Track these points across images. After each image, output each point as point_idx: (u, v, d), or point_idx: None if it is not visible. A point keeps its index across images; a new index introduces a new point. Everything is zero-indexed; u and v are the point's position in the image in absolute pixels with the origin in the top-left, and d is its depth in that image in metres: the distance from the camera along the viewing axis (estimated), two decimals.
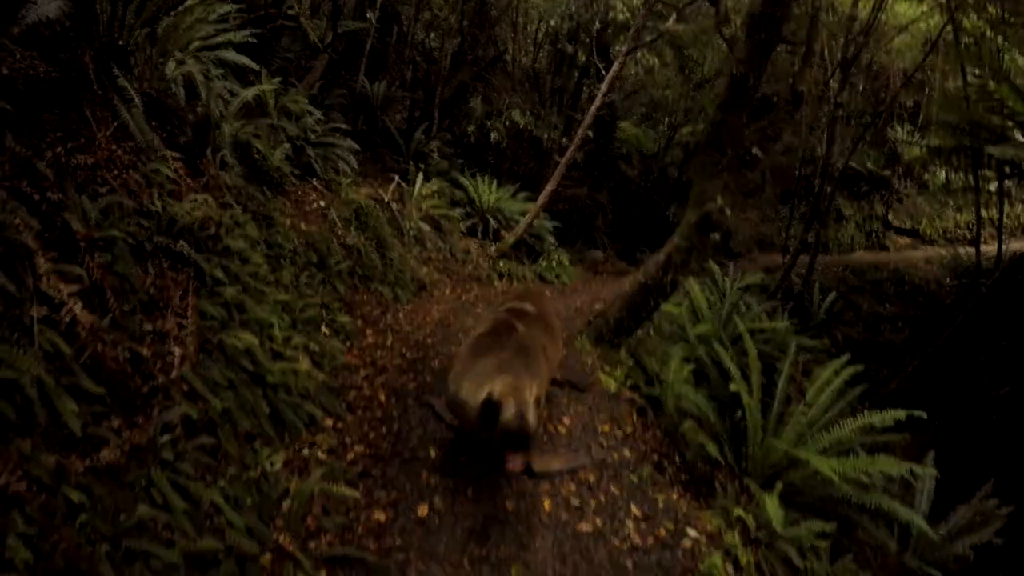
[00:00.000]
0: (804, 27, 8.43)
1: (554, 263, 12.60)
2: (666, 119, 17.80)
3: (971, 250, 13.07)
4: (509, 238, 11.87)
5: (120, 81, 3.60)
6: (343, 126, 9.88)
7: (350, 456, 3.95)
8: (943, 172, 16.85)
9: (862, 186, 18.67)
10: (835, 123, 13.00)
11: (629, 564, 3.45)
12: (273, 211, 5.65)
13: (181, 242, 3.23)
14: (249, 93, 6.39)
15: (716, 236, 6.28)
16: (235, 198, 4.60)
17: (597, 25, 13.13)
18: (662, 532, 3.79)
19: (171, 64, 4.57)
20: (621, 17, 13.75)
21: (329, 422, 4.21)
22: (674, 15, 12.34)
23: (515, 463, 3.41)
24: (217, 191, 4.19)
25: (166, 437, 2.61)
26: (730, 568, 3.76)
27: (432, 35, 15.31)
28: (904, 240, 18.72)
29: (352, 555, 3.18)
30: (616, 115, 16.09)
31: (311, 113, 9.09)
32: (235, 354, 3.34)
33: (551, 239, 13.10)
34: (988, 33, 12.90)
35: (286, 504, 3.25)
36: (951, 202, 18.29)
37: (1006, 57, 12.57)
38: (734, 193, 6.37)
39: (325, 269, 6.40)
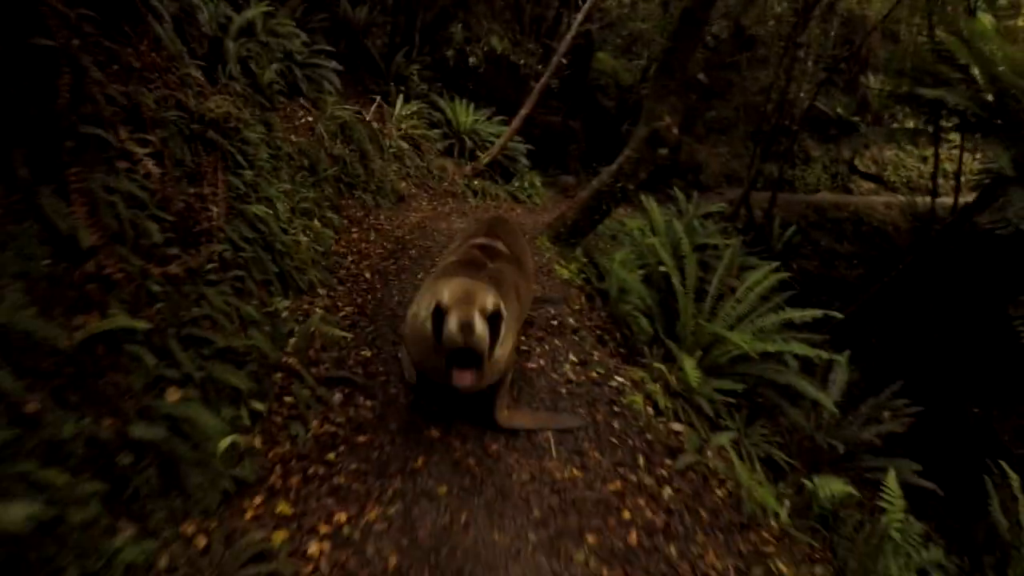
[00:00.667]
0: None
1: (526, 184, 13.48)
2: (645, 52, 18.44)
3: (928, 199, 13.99)
4: (484, 158, 12.74)
5: (152, 1, 4.42)
6: (328, 48, 10.55)
7: (341, 313, 4.92)
8: (910, 122, 17.71)
9: (831, 130, 19.55)
10: (795, 63, 13.83)
11: (564, 391, 4.47)
12: (271, 119, 6.49)
13: (211, 131, 4.09)
14: (247, 15, 7.16)
15: (664, 151, 7.19)
16: (244, 103, 5.44)
17: None
18: (593, 375, 4.81)
19: None
20: None
21: (323, 290, 5.17)
22: None
23: (462, 377, 3.14)
24: (230, 96, 5.02)
25: (210, 266, 3.54)
26: (650, 409, 4.77)
27: None
28: (869, 185, 19.73)
29: (345, 376, 4.16)
30: (594, 45, 16.78)
31: (297, 36, 9.75)
32: (253, 219, 4.24)
33: (524, 161, 13.94)
34: None
35: (292, 340, 4.21)
36: (914, 151, 19.20)
37: (980, 16, 13.39)
38: (681, 112, 7.24)
39: (315, 174, 7.27)
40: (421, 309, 3.42)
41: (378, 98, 11.42)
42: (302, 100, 9.20)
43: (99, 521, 2.31)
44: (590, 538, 3.23)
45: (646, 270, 7.52)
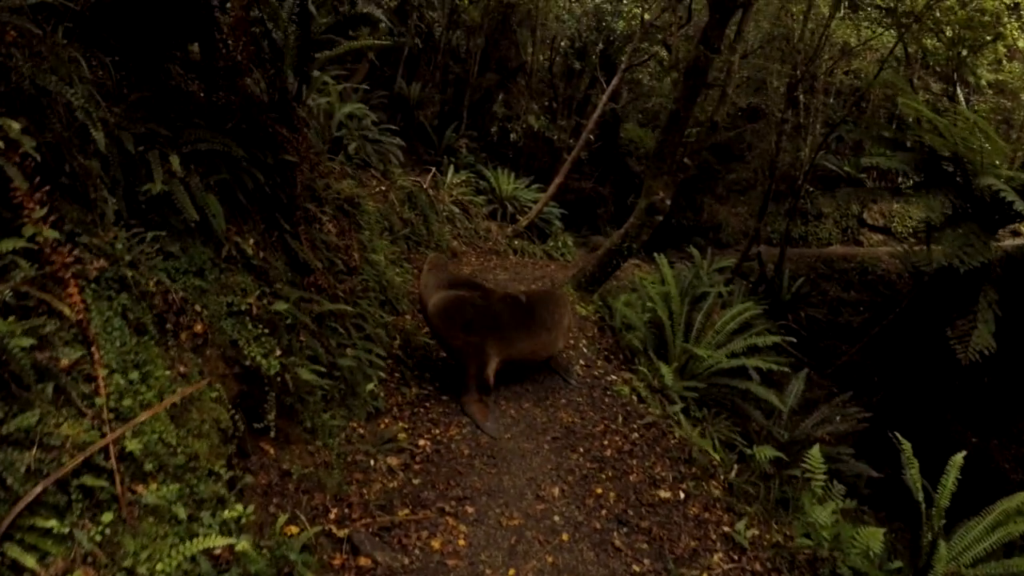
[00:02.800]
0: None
1: (560, 244, 16.02)
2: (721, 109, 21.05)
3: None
4: (523, 221, 15.35)
5: (300, 113, 7.10)
6: (392, 127, 13.33)
7: (424, 329, 7.46)
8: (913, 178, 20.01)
9: (841, 187, 21.91)
10: (799, 131, 16.38)
11: (572, 381, 6.96)
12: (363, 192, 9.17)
13: (346, 204, 6.69)
14: (345, 110, 9.94)
15: (659, 218, 9.68)
16: (356, 184, 8.14)
17: (600, 46, 16.64)
18: (595, 373, 7.29)
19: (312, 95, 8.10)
20: (624, 34, 17.12)
21: (408, 313, 7.73)
22: (661, 41, 15.84)
23: None
24: (348, 177, 7.68)
25: (357, 289, 6.10)
26: (635, 398, 7.20)
27: (459, 36, 18.54)
28: (877, 237, 21.93)
29: (427, 375, 6.68)
30: (620, 118, 19.54)
31: (368, 116, 12.52)
32: (374, 262, 6.83)
33: (559, 224, 16.52)
34: (942, 52, 16.11)
35: (395, 341, 6.74)
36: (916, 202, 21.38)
37: (967, 69, 15.78)
38: (672, 188, 9.75)
39: (392, 233, 9.90)
40: None
41: (433, 168, 14.13)
42: (373, 171, 11.89)
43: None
44: (580, 449, 5.71)
45: (648, 314, 9.96)
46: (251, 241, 4.37)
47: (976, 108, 16.36)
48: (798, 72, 14.79)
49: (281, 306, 4.20)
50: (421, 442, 5.38)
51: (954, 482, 5.82)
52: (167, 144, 3.78)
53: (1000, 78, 17.33)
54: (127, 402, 2.74)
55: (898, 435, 6.26)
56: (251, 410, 3.87)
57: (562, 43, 17.77)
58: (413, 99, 16.54)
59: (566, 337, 7.35)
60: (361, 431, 5.11)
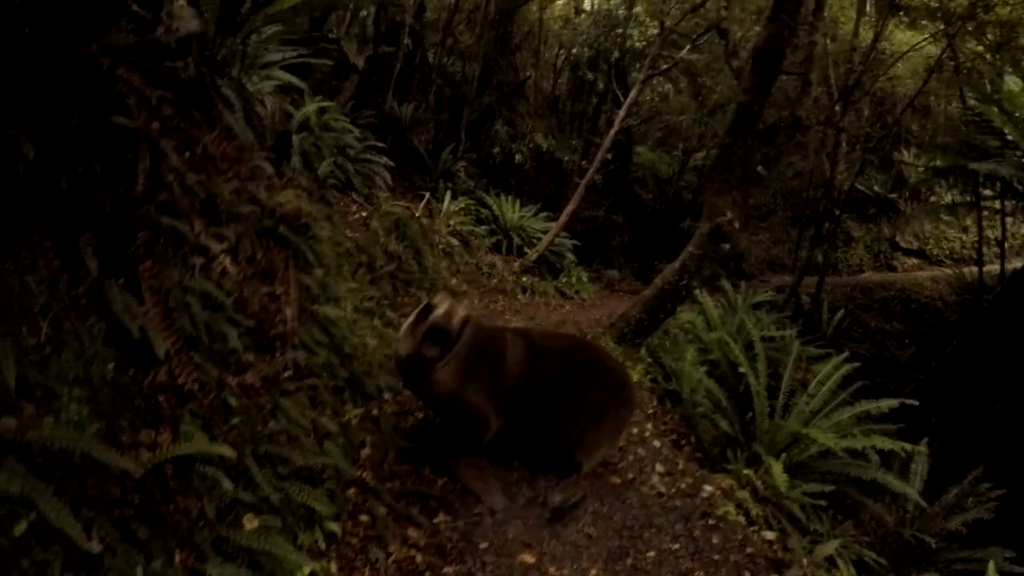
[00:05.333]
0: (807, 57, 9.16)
1: (574, 280, 13.20)
2: (680, 144, 18.47)
3: (975, 269, 13.57)
4: (532, 255, 12.53)
5: (224, 90, 4.27)
6: (380, 144, 10.53)
7: (410, 421, 4.57)
8: (948, 195, 17.42)
9: (870, 209, 19.27)
10: (838, 147, 13.66)
11: (657, 508, 4.05)
12: (330, 214, 6.32)
13: (282, 226, 3.87)
14: (309, 110, 7.12)
15: (726, 246, 6.89)
16: (309, 198, 5.28)
17: (616, 54, 13.90)
18: (683, 486, 4.38)
19: (254, 79, 5.28)
20: (639, 45, 14.44)
21: (389, 395, 4.83)
22: (688, 45, 13.12)
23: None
24: (298, 190, 4.85)
25: (287, 374, 3.24)
26: (742, 518, 4.32)
27: (455, 61, 16.03)
28: (912, 261, 19.26)
29: (422, 491, 3.78)
30: (633, 140, 16.79)
31: (350, 131, 9.73)
32: (324, 322, 3.97)
33: (571, 257, 13.71)
34: (988, 57, 13.61)
35: (364, 451, 3.86)
36: (955, 222, 18.83)
37: (1006, 79, 13.27)
38: (741, 207, 6.98)
39: (373, 271, 7.06)
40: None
41: (427, 194, 11.33)
42: (354, 195, 9.13)
43: None
44: None
45: (708, 367, 7.14)
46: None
47: None
48: (848, 80, 12.11)
49: None
50: None
51: None
52: None
53: None
54: None
55: None
56: None
57: (573, 51, 14.98)
58: (405, 120, 13.77)
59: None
60: None
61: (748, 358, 6.63)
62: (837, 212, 15.29)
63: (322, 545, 3.00)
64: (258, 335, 3.14)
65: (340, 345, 4.16)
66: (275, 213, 3.87)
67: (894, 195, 18.84)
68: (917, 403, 6.39)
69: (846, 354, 7.22)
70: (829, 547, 4.16)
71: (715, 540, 3.85)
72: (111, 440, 2.30)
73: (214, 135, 3.81)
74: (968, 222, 17.89)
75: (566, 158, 14.44)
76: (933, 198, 19.21)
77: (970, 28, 12.17)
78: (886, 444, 5.65)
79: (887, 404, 6.25)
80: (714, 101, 16.47)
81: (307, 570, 2.64)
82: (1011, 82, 9.84)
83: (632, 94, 12.89)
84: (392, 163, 10.47)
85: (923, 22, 13.87)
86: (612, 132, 12.78)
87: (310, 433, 3.21)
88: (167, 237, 2.71)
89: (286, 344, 3.32)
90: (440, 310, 3.98)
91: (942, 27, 12.25)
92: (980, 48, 13.66)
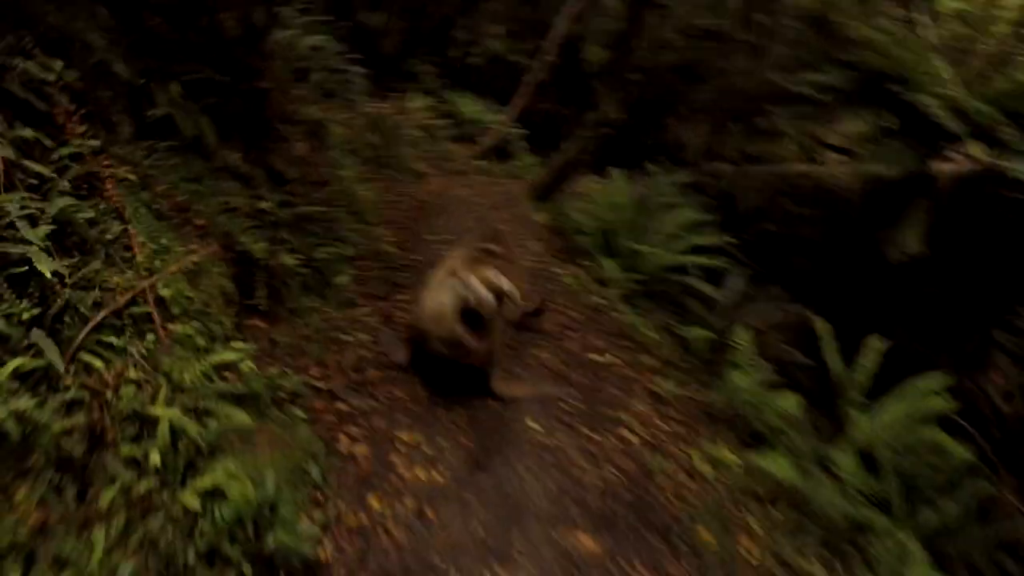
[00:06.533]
0: None
1: (524, 164, 16.96)
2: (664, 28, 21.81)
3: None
4: (485, 142, 16.26)
5: (267, 44, 7.94)
6: (356, 56, 14.06)
7: (392, 239, 8.45)
8: None
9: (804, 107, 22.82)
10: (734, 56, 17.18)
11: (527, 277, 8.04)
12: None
13: (314, 127, 7.62)
14: (307, 41, 10.74)
15: (606, 130, 10.66)
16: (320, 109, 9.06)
17: None
18: (546, 269, 8.35)
19: None
20: None
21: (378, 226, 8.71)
22: None
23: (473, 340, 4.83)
24: (313, 103, 8.58)
25: (327, 199, 7.08)
26: (580, 287, 8.27)
27: None
28: (838, 156, 22.95)
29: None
30: (583, 38, 20.23)
31: (331, 47, 13.23)
32: (342, 178, 7.81)
33: (521, 144, 17.42)
34: None
35: (361, 246, 7.74)
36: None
37: None
38: (621, 102, 10.70)
39: (359, 156, 10.83)
40: (442, 295, 4.90)
41: (397, 95, 14.95)
42: (338, 100, 12.73)
43: None
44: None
45: (600, 220, 11.00)
46: (237, 155, 5.34)
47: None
48: None
49: (264, 205, 5.21)
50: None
51: (873, 362, 6.47)
52: (164, 76, 4.73)
53: (963, 7, 18.16)
54: (157, 263, 3.75)
55: (817, 318, 7.09)
56: (244, 291, 4.91)
57: None
58: (376, 28, 17.21)
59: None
60: (336, 315, 6.16)
61: (626, 210, 10.50)
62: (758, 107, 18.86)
63: (349, 282, 6.92)
64: (316, 179, 6.94)
65: (348, 192, 7.98)
66: (309, 119, 7.60)
67: (825, 96, 22.33)
68: (737, 242, 10.39)
69: (692, 208, 11.20)
70: (615, 292, 8.15)
71: (551, 288, 7.86)
72: None
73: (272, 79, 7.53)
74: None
75: (516, 61, 18.02)
76: None
77: None
78: (704, 261, 9.67)
79: (712, 240, 10.22)
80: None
81: (342, 278, 6.57)
82: None
83: (571, 5, 16.42)
84: (368, 71, 14.03)
85: None
86: (554, 38, 16.37)
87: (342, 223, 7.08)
88: (279, 133, 6.47)
89: (326, 184, 7.12)
90: (474, 293, 4.71)
91: None
92: None
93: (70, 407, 2.94)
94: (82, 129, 3.71)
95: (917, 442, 5.68)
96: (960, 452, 5.52)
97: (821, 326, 6.84)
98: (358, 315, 6.34)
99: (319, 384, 4.96)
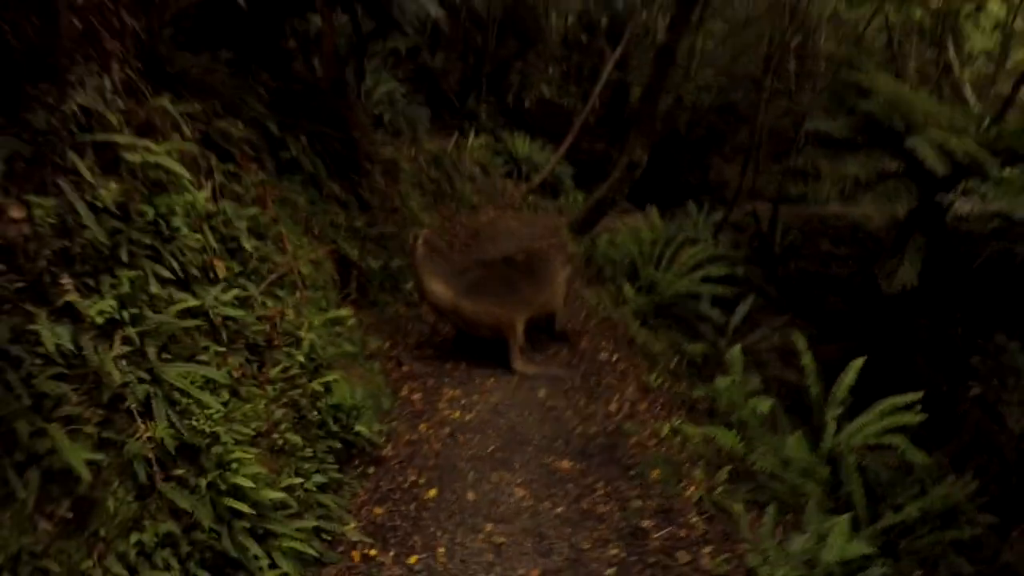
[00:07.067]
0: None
1: (571, 200, 19.18)
2: (691, 85, 23.98)
3: None
4: (536, 179, 18.52)
5: (356, 99, 10.27)
6: (419, 97, 16.48)
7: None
8: None
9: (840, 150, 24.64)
10: (764, 100, 19.10)
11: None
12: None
13: (388, 165, 9.88)
14: (382, 88, 13.13)
15: (637, 172, 12.76)
16: (394, 149, 11.37)
17: (605, 21, 19.65)
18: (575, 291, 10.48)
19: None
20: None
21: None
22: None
23: None
24: (387, 144, 10.89)
25: (399, 222, 9.31)
26: (599, 306, 10.35)
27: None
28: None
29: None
30: (627, 86, 22.53)
31: (398, 89, 15.64)
32: (409, 207, 10.05)
33: (570, 181, 19.67)
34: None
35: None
36: None
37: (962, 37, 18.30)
38: (647, 147, 12.80)
39: (422, 189, 13.11)
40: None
41: (456, 133, 17.28)
42: (404, 138, 15.09)
43: None
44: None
45: (628, 251, 13.08)
46: (337, 186, 7.63)
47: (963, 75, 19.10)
48: (773, 39, 17.60)
49: (356, 223, 7.47)
50: (441, 325, 8.60)
51: (853, 379, 7.46)
52: (293, 128, 7.04)
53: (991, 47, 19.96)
54: (298, 252, 6.01)
55: (799, 338, 8.49)
56: (343, 283, 7.16)
57: (568, 19, 20.77)
58: (437, 70, 19.67)
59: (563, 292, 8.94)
60: (403, 309, 8.39)
61: (649, 244, 12.59)
62: (798, 147, 20.72)
63: (413, 288, 9.13)
64: (391, 206, 9.19)
65: (415, 218, 10.22)
66: (384, 158, 9.87)
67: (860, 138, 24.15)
68: (741, 271, 12.38)
69: (712, 242, 13.22)
70: (627, 308, 10.21)
71: (576, 305, 9.96)
72: None
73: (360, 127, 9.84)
74: None
75: (566, 103, 20.37)
76: None
77: None
78: (713, 291, 11.69)
79: (724, 271, 12.19)
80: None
81: (409, 284, 8.78)
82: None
83: (616, 52, 18.70)
84: (429, 110, 16.39)
85: None
86: (600, 83, 18.65)
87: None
88: (364, 170, 8.73)
89: (398, 211, 9.38)
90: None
91: None
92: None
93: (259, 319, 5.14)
94: (253, 166, 5.99)
95: (882, 447, 7.02)
96: (920, 457, 6.68)
97: (801, 345, 8.23)
98: (419, 312, 8.57)
99: (390, 352, 7.17)
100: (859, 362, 7.57)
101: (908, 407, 7.00)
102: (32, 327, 3.36)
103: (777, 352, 12.78)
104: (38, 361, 3.35)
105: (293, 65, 8.50)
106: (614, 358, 8.67)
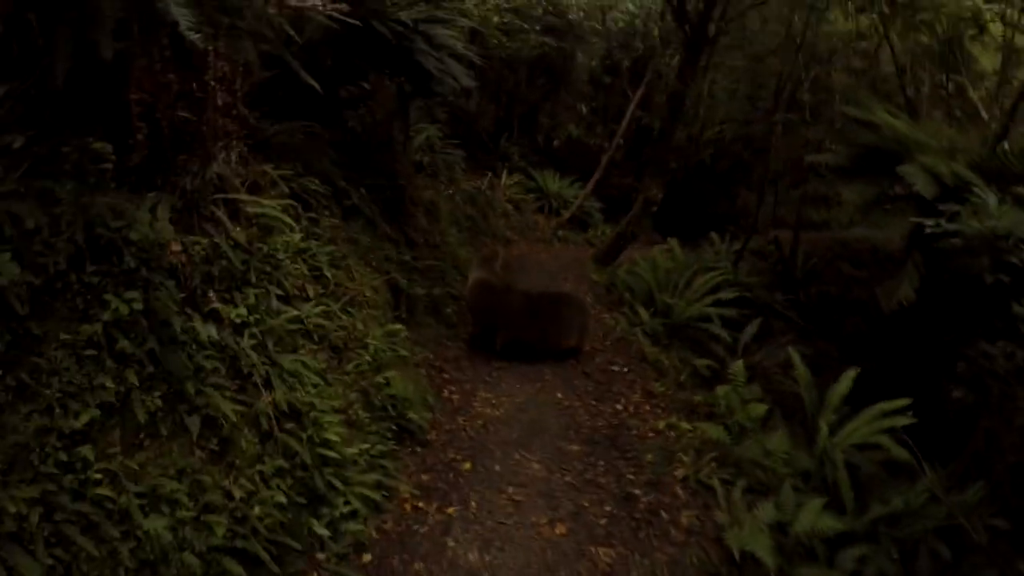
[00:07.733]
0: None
1: (599, 233, 20.82)
2: (698, 125, 25.67)
3: None
4: (566, 214, 20.26)
5: (404, 152, 12.16)
6: (455, 140, 18.27)
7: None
8: None
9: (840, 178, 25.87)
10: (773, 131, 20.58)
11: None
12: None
13: (429, 206, 11.69)
14: (422, 136, 15.03)
15: (654, 208, 14.47)
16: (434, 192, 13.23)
17: (627, 63, 21.51)
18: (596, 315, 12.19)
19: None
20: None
21: None
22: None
23: None
24: (428, 188, 12.74)
25: (439, 256, 11.11)
26: (616, 327, 12.03)
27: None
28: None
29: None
30: (651, 124, 24.25)
31: (436, 135, 17.48)
32: (448, 243, 11.87)
33: (598, 216, 21.29)
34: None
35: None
36: None
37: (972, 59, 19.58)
38: (662, 185, 14.51)
39: (459, 226, 14.91)
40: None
41: (490, 173, 19.04)
42: (441, 178, 16.88)
43: None
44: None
45: (643, 282, 14.72)
46: (388, 227, 9.50)
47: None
48: (783, 73, 19.11)
49: (405, 257, 9.30)
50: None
51: (846, 388, 8.31)
52: (352, 180, 8.92)
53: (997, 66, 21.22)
54: (363, 279, 7.86)
55: (795, 351, 9.98)
56: (394, 306, 8.97)
57: (593, 63, 22.65)
58: (471, 113, 21.56)
59: (581, 336, 10.65)
60: (444, 330, 10.18)
61: (664, 272, 14.26)
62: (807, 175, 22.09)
63: (452, 313, 10.91)
64: (432, 243, 10.99)
65: (453, 253, 12.01)
66: (424, 200, 11.70)
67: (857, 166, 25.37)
68: (749, 293, 14.01)
69: (724, 269, 14.85)
70: (640, 328, 11.89)
71: (599, 333, 11.66)
72: None
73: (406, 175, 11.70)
74: None
75: (593, 142, 22.21)
76: None
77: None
78: (722, 312, 13.33)
79: (732, 295, 13.82)
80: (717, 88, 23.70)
81: (448, 309, 10.58)
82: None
83: (639, 94, 20.52)
84: (464, 152, 18.12)
85: None
86: (624, 123, 20.46)
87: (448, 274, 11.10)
88: (409, 212, 10.58)
89: (438, 247, 11.18)
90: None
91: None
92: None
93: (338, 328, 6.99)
94: (327, 212, 7.88)
95: (870, 446, 7.70)
96: (901, 454, 7.30)
97: (796, 359, 9.46)
98: (457, 332, 10.37)
99: (434, 362, 8.98)
100: (852, 372, 8.47)
101: (899, 412, 7.72)
102: (191, 324, 5.19)
103: (782, 368, 14.26)
104: (195, 346, 5.18)
105: (348, 124, 10.35)
106: (625, 370, 10.35)
